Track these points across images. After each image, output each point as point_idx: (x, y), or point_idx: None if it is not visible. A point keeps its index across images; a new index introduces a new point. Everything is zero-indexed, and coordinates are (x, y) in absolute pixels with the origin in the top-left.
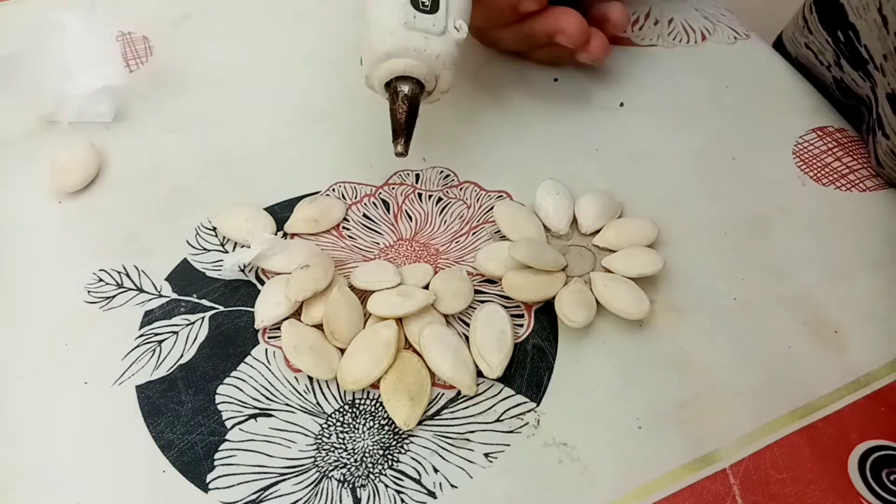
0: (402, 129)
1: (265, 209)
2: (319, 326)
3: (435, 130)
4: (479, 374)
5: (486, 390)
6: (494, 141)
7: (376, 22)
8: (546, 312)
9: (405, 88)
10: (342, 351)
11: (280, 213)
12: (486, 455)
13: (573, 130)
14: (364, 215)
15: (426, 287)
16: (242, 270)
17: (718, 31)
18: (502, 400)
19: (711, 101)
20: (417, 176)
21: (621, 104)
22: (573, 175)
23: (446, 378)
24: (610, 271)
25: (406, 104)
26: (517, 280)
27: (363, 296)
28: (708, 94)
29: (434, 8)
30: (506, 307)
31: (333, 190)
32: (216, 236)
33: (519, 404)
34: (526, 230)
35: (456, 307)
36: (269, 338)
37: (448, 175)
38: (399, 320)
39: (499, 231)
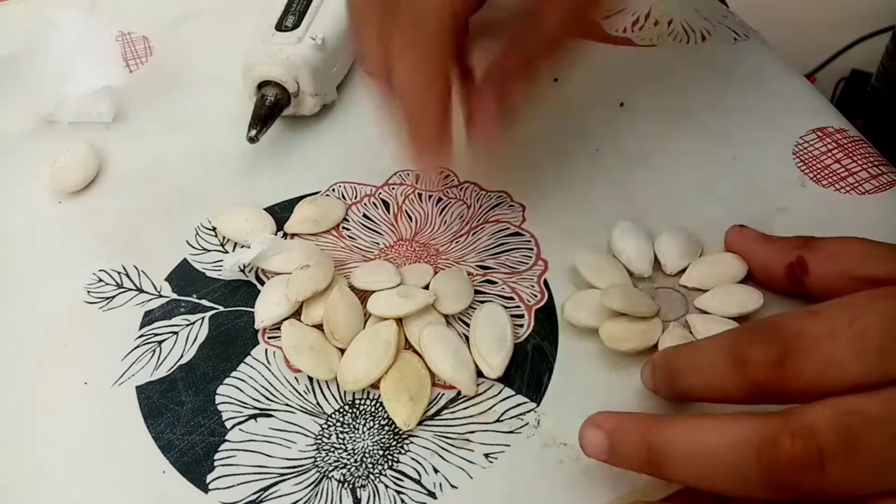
0: (259, 120)
1: (265, 209)
2: (320, 326)
3: None
4: (480, 374)
5: (486, 391)
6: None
7: (250, 44)
8: (546, 312)
9: (269, 91)
10: (342, 351)
11: (280, 213)
12: (487, 455)
13: (573, 131)
14: (364, 215)
15: (426, 287)
16: (242, 271)
17: (718, 31)
18: (502, 400)
19: (711, 101)
20: (417, 176)
21: (621, 104)
22: (573, 176)
23: (446, 378)
24: (704, 311)
25: (266, 101)
26: (615, 330)
27: (363, 296)
28: (708, 94)
29: (296, 26)
30: (506, 307)
31: (333, 190)
32: (216, 236)
33: (519, 405)
34: (611, 277)
35: (456, 308)
36: (269, 338)
37: (448, 175)
38: (399, 320)
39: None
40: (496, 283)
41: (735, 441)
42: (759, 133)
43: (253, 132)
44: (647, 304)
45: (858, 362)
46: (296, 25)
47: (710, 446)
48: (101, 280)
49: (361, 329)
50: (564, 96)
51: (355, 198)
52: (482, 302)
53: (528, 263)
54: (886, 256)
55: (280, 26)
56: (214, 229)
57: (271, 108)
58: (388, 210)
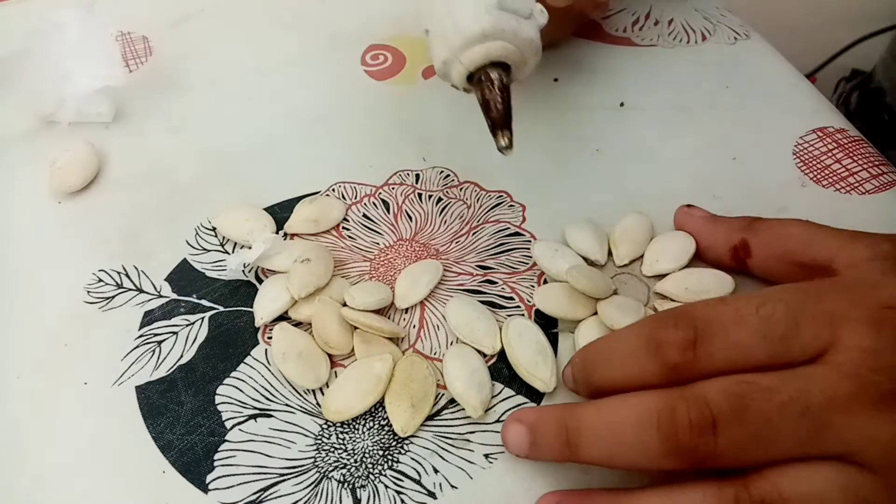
0: (503, 119)
1: (265, 209)
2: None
3: (435, 130)
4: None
5: (499, 391)
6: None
7: (458, 1)
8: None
9: (498, 74)
10: (331, 358)
11: (280, 213)
12: (487, 456)
13: (573, 130)
14: (364, 215)
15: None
16: (243, 271)
17: (718, 31)
18: (502, 400)
19: (711, 101)
20: (417, 176)
21: (621, 104)
22: (573, 175)
23: (455, 395)
24: (665, 296)
25: (503, 91)
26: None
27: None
28: (708, 94)
29: None
30: (505, 307)
31: (333, 190)
32: (216, 236)
33: (519, 405)
34: (569, 263)
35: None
36: (269, 338)
37: (448, 175)
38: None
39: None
40: (496, 283)
41: (638, 414)
42: (759, 133)
43: (504, 139)
44: (607, 284)
45: (763, 346)
46: None
47: (616, 422)
48: (100, 280)
49: (352, 333)
50: (565, 96)
51: (355, 198)
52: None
53: (527, 263)
54: (828, 241)
55: None
56: (214, 229)
57: (509, 96)
58: (388, 210)
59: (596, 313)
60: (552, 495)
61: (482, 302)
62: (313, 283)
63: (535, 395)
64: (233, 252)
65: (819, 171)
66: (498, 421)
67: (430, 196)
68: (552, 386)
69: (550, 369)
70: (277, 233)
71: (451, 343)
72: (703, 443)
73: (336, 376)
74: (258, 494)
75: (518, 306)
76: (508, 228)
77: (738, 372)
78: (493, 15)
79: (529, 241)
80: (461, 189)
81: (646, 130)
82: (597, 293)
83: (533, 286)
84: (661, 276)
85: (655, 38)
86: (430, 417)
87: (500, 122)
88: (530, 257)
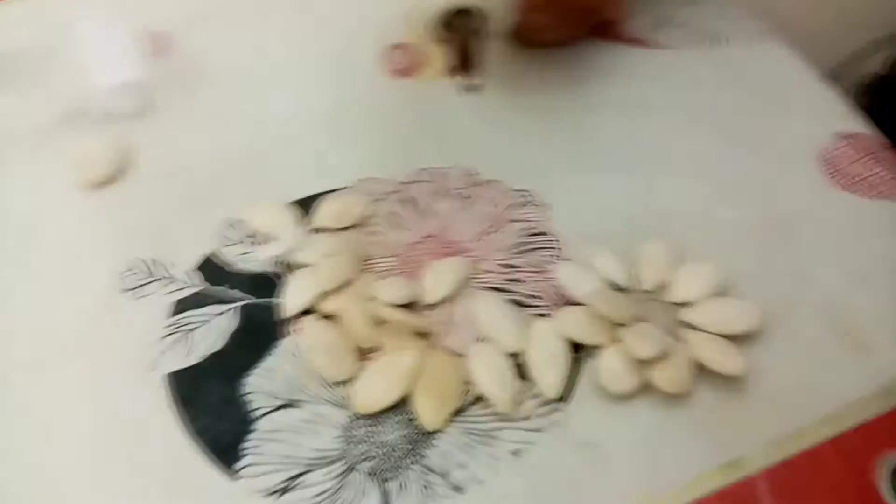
0: (468, 60)
1: (292, 203)
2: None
3: (460, 129)
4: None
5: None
6: (517, 140)
7: None
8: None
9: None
10: (360, 351)
11: (307, 208)
12: (513, 452)
13: (593, 131)
14: (390, 212)
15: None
16: (273, 264)
17: (738, 33)
18: (531, 398)
19: (732, 103)
20: (443, 173)
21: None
22: (594, 175)
23: (483, 391)
24: (692, 325)
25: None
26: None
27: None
28: (728, 96)
29: None
30: (530, 306)
31: (360, 186)
32: (244, 229)
33: (547, 403)
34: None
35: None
36: (297, 329)
37: (473, 173)
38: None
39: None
40: (524, 281)
41: None
42: (779, 136)
43: (471, 78)
44: (630, 309)
45: None
46: None
47: None
48: (132, 270)
49: (379, 329)
50: (584, 97)
51: (381, 194)
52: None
53: (553, 263)
54: None
55: None
56: (243, 222)
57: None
58: (414, 207)
59: (619, 340)
60: None
61: (508, 300)
62: (341, 277)
63: (563, 393)
64: (261, 245)
65: (840, 174)
66: (525, 418)
67: (455, 193)
68: (555, 391)
69: (559, 375)
70: (304, 227)
71: (478, 340)
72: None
73: (364, 370)
74: (286, 483)
75: (546, 305)
76: (533, 227)
77: None
78: None
79: (555, 241)
80: (486, 187)
81: (664, 132)
82: (619, 318)
83: (558, 285)
84: (685, 305)
85: (674, 40)
86: (458, 413)
87: (463, 61)
88: (555, 257)
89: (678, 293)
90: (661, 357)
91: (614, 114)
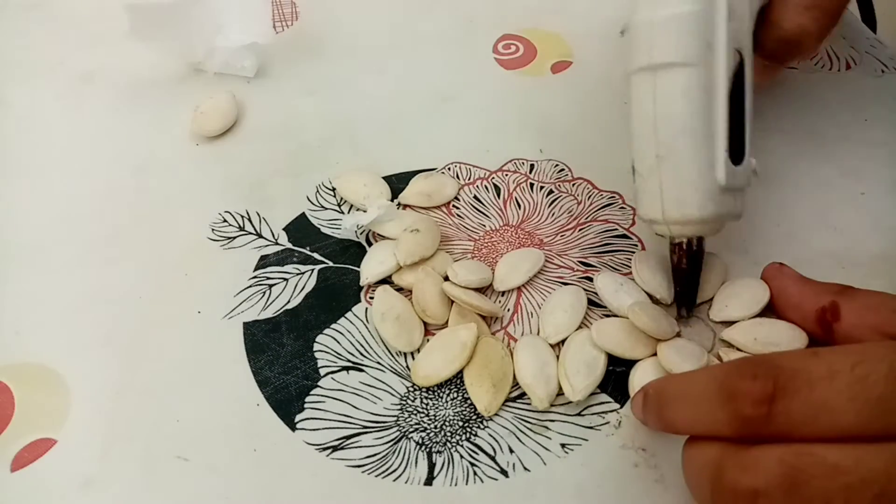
0: (689, 293)
1: (383, 178)
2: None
3: (556, 124)
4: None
5: None
6: (615, 142)
7: (689, 173)
8: None
9: (697, 246)
10: (427, 326)
11: (396, 183)
12: (563, 445)
13: None
14: (475, 197)
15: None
16: (356, 232)
17: (865, 61)
18: (587, 395)
19: (847, 132)
20: (532, 166)
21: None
22: None
23: (523, 385)
24: (731, 345)
25: (697, 262)
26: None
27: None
28: (844, 124)
29: (740, 156)
30: (600, 306)
31: (449, 169)
32: (334, 196)
33: (603, 402)
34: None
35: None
36: (371, 298)
37: (563, 169)
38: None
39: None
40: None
41: (700, 458)
42: (893, 170)
43: (684, 312)
44: (670, 325)
45: (853, 410)
46: (740, 151)
47: (688, 458)
48: (225, 220)
49: (449, 308)
50: None
51: (468, 179)
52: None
53: (631, 267)
54: None
55: (730, 152)
56: (334, 190)
57: (698, 264)
58: (498, 195)
59: (655, 354)
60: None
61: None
62: (419, 253)
63: (621, 395)
64: (348, 213)
65: None
66: (579, 415)
67: (541, 187)
68: (579, 396)
69: (588, 382)
70: (392, 201)
71: (535, 332)
72: None
73: (427, 344)
74: (340, 441)
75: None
76: (616, 230)
77: (819, 436)
78: (717, 202)
79: (636, 245)
80: (574, 185)
81: (773, 152)
82: (658, 333)
83: None
84: (729, 323)
85: (797, 61)
86: (513, 399)
87: (682, 296)
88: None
89: (722, 311)
90: None
91: None
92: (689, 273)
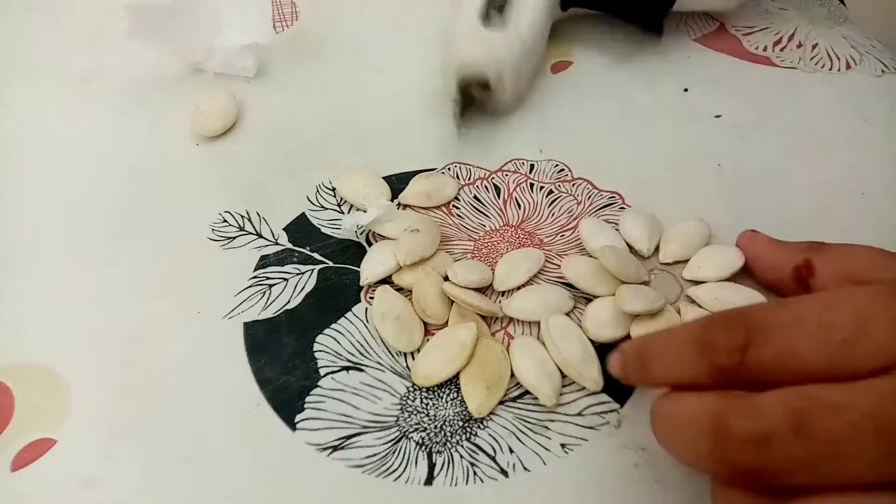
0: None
1: (383, 178)
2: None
3: (556, 124)
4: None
5: (571, 383)
6: (615, 142)
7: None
8: None
9: (473, 86)
10: (426, 326)
11: (396, 183)
12: (563, 445)
13: (696, 143)
14: (475, 197)
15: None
16: (356, 232)
17: (865, 61)
18: (586, 395)
19: (848, 132)
20: (532, 166)
21: (685, 90)
22: (690, 187)
23: (528, 386)
24: (693, 301)
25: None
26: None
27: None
28: (844, 125)
29: (500, 20)
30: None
31: (448, 169)
32: (334, 196)
33: (602, 402)
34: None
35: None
36: (371, 298)
37: (563, 169)
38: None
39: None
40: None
41: (691, 413)
42: (893, 171)
43: (457, 123)
44: (636, 272)
45: (820, 353)
46: (499, 19)
47: (671, 416)
48: (225, 220)
49: (449, 308)
50: (694, 108)
51: (468, 179)
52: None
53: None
54: (894, 265)
55: (485, 18)
56: (334, 190)
57: (471, 101)
58: (498, 195)
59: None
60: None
61: (579, 297)
62: (419, 253)
63: (620, 395)
64: (348, 213)
65: None
66: (579, 414)
67: (541, 187)
68: (601, 385)
69: (598, 368)
70: (392, 201)
71: (533, 334)
72: (751, 455)
73: (426, 344)
74: (340, 441)
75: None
76: (615, 229)
77: (789, 379)
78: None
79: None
80: (574, 185)
81: (773, 152)
82: (625, 277)
83: None
84: (698, 283)
85: (797, 60)
86: (512, 400)
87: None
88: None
89: (694, 272)
90: (648, 316)
91: (724, 129)
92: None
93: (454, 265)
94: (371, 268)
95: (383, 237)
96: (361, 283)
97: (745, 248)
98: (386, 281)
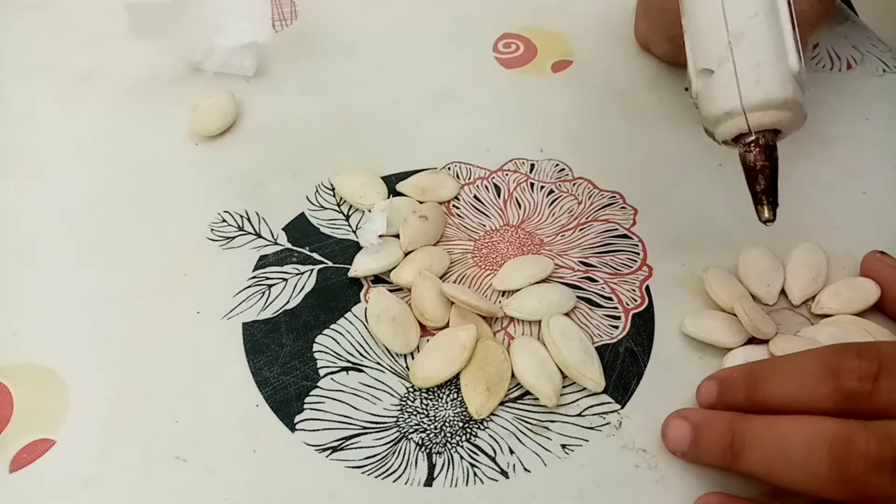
0: (770, 190)
1: (382, 178)
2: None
3: (556, 124)
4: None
5: (571, 383)
6: (616, 142)
7: (765, 52)
8: (643, 318)
9: (773, 142)
10: (422, 326)
11: (395, 183)
12: (563, 446)
13: (700, 142)
14: (475, 196)
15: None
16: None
17: (866, 61)
18: (587, 396)
19: (849, 132)
20: (532, 166)
21: (686, 89)
22: (692, 187)
23: (528, 386)
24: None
25: (774, 160)
26: None
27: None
28: (845, 125)
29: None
30: (601, 306)
31: (449, 168)
32: (334, 196)
33: (603, 403)
34: (736, 297)
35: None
36: (369, 298)
37: (563, 169)
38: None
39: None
40: (597, 281)
41: (810, 434)
42: (894, 170)
43: (769, 212)
44: (771, 328)
45: None
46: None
47: (786, 435)
48: (224, 220)
49: (448, 309)
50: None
51: (469, 179)
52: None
53: (632, 267)
54: None
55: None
56: (334, 189)
57: (775, 162)
58: (498, 195)
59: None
60: (712, 496)
61: (579, 298)
62: (423, 240)
63: (621, 396)
64: (347, 212)
65: None
66: (579, 415)
67: (542, 187)
68: (602, 385)
69: (598, 368)
70: (390, 201)
71: (533, 334)
72: (878, 479)
73: (425, 345)
74: (340, 442)
75: (616, 307)
76: (617, 230)
77: None
78: (794, 85)
79: (637, 245)
80: (574, 184)
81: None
82: (761, 335)
83: (634, 290)
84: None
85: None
86: (513, 400)
87: (767, 192)
88: (635, 260)
89: (822, 306)
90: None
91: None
92: (771, 168)
93: (452, 265)
94: (362, 262)
95: (381, 236)
96: (349, 276)
97: (870, 271)
98: (385, 281)
